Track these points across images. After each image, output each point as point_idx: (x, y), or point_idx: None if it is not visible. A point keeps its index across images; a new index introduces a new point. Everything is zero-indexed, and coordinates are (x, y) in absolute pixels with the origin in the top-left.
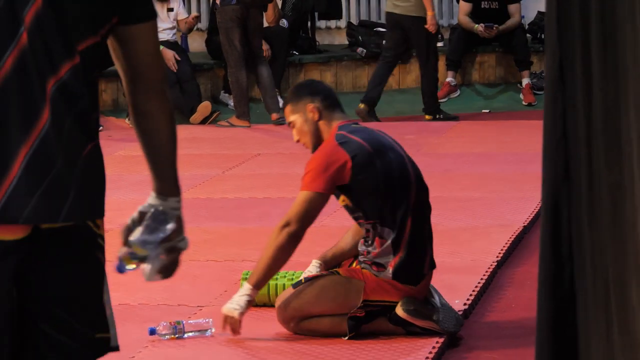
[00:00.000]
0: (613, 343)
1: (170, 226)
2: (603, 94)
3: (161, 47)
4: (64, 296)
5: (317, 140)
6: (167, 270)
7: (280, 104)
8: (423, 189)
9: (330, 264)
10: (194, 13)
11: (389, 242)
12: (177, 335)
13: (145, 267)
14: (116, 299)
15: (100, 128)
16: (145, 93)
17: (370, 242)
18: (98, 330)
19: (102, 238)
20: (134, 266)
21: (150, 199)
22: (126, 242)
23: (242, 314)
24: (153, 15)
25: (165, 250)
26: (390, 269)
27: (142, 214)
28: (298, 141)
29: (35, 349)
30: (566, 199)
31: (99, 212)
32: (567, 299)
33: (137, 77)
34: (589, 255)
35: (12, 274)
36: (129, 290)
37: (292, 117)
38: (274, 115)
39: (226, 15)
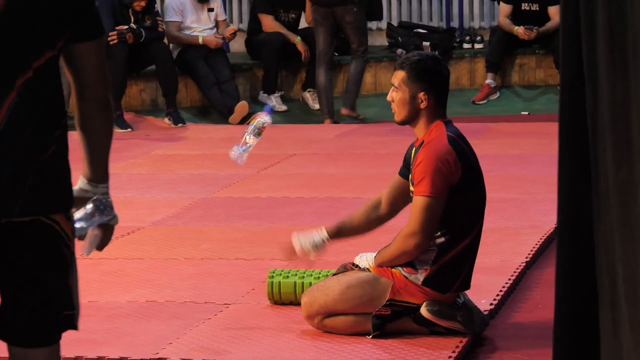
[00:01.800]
0: (621, 341)
1: (103, 208)
2: (611, 92)
3: (201, 37)
4: (25, 280)
5: (409, 121)
6: (102, 244)
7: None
8: (484, 215)
9: (339, 237)
10: (233, 27)
11: (435, 249)
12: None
13: (83, 244)
14: (143, 296)
15: (129, 129)
16: (89, 100)
17: None
18: (63, 309)
19: (64, 231)
20: None
21: (81, 183)
22: None
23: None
24: (100, 34)
25: (99, 226)
26: (422, 275)
27: (76, 199)
28: (391, 102)
29: (4, 328)
30: (586, 197)
31: (54, 208)
32: (586, 297)
33: (83, 86)
34: (600, 253)
35: None
36: (155, 288)
37: (400, 86)
38: (344, 111)
39: (314, 13)
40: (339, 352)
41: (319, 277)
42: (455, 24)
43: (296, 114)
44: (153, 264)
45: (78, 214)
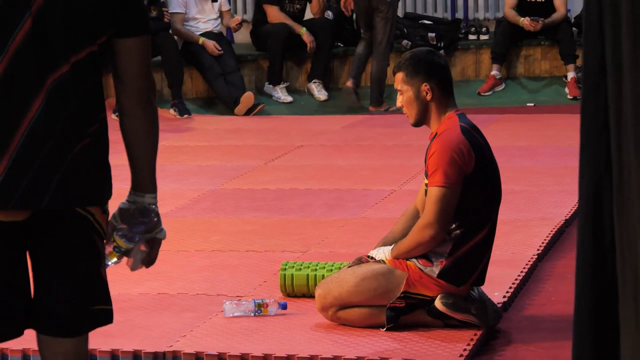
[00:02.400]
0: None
1: (149, 221)
2: (633, 87)
3: (202, 39)
4: (58, 270)
5: (422, 118)
6: (149, 260)
7: (326, 96)
8: (499, 206)
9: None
10: (238, 17)
11: (451, 242)
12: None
13: (129, 259)
14: (155, 288)
15: None
16: (131, 97)
17: None
18: (95, 302)
19: (99, 222)
20: (115, 259)
21: (128, 195)
22: (110, 238)
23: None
24: (145, 31)
25: (146, 241)
26: (438, 267)
27: (122, 211)
28: (402, 107)
29: (35, 316)
30: (608, 190)
31: (87, 200)
32: (608, 290)
33: (126, 83)
34: (619, 248)
35: (14, 251)
36: (167, 280)
37: (403, 87)
38: (371, 107)
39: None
40: (353, 344)
41: (331, 270)
42: (460, 15)
43: (301, 105)
44: (164, 256)
45: (122, 227)
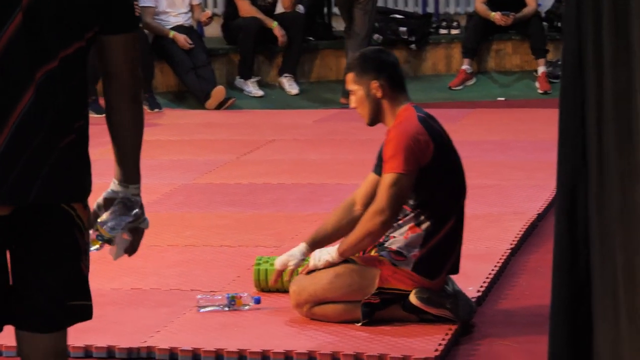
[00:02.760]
0: (620, 328)
1: (134, 212)
2: (614, 81)
3: (172, 33)
4: (39, 266)
5: (376, 116)
6: (132, 249)
7: (297, 90)
8: (465, 195)
9: (318, 247)
10: (208, 11)
11: (423, 233)
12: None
13: (112, 248)
14: (128, 283)
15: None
16: (117, 93)
17: (401, 227)
18: (75, 298)
19: (80, 218)
20: (97, 246)
21: (112, 185)
22: (93, 225)
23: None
24: (134, 28)
25: (129, 230)
26: (412, 260)
27: (107, 200)
28: (355, 108)
29: (14, 312)
30: (584, 185)
31: (71, 196)
32: (583, 284)
33: (113, 79)
34: (598, 241)
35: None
36: (142, 275)
37: (354, 87)
38: (342, 100)
39: None
40: (328, 339)
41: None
42: (431, 9)
43: (273, 99)
44: (137, 251)
45: (106, 217)
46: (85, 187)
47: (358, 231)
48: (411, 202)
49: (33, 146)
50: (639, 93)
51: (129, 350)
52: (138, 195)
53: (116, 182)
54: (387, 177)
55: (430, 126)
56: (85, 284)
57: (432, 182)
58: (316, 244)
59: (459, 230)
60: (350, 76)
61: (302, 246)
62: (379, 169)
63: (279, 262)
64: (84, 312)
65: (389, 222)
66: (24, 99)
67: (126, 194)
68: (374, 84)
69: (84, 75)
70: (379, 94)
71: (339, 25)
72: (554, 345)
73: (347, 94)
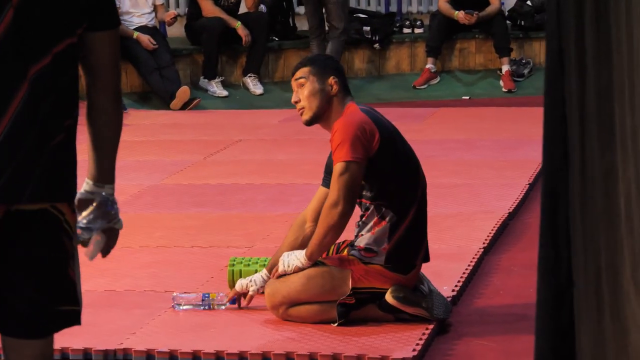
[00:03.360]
0: (604, 328)
1: (108, 211)
2: (596, 78)
3: (136, 34)
4: (26, 271)
5: (321, 112)
6: (107, 249)
7: (261, 90)
8: (425, 182)
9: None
10: (172, 11)
11: (388, 225)
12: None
13: (87, 249)
14: (102, 285)
15: None
16: (101, 91)
17: (366, 224)
18: (63, 303)
19: (68, 223)
20: None
21: (86, 185)
22: None
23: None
24: (116, 24)
25: (103, 231)
26: (383, 255)
27: (80, 202)
28: (296, 102)
29: (0, 318)
30: (564, 185)
31: (61, 197)
32: (565, 285)
33: (97, 77)
34: (582, 241)
35: None
36: (115, 276)
37: (310, 78)
38: None
39: None
40: (305, 340)
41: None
42: (394, 8)
43: (237, 99)
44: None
45: (81, 218)
46: (73, 187)
47: (319, 229)
48: (367, 193)
49: (26, 145)
50: (620, 93)
51: (106, 352)
52: (112, 195)
53: (90, 182)
54: (337, 167)
55: (375, 116)
56: (73, 289)
57: (384, 171)
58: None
59: (422, 219)
60: (306, 69)
61: (263, 273)
62: (327, 182)
63: (238, 284)
64: (72, 318)
65: (347, 212)
66: (18, 97)
67: (101, 194)
68: (332, 80)
69: (75, 73)
70: (333, 91)
71: (302, 25)
72: (539, 346)
73: None
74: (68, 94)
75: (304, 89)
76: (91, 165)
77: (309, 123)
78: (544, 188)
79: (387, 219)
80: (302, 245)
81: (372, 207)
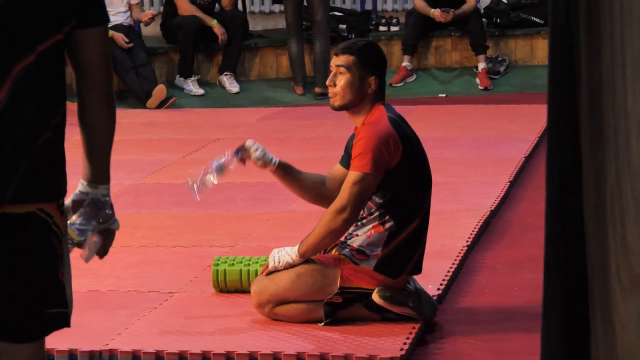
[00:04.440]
0: (596, 326)
1: (103, 212)
2: (588, 77)
3: (111, 32)
4: (15, 275)
5: (352, 105)
6: (104, 251)
7: (237, 89)
8: (430, 196)
9: (285, 174)
10: (151, 11)
11: (386, 233)
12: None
13: (83, 251)
14: (86, 285)
15: None
16: (92, 90)
17: (364, 225)
18: (52, 305)
19: (57, 225)
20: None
21: (81, 186)
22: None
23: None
24: (105, 21)
25: (99, 232)
26: (374, 260)
27: (75, 203)
28: (331, 86)
29: None
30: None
31: (48, 197)
32: (577, 285)
33: (87, 75)
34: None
35: None
36: (98, 277)
37: (352, 69)
38: (317, 89)
39: None
40: (292, 339)
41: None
42: (369, 6)
43: (213, 98)
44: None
45: (76, 219)
46: (61, 187)
47: (319, 230)
48: (377, 200)
49: (10, 144)
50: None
51: (91, 353)
52: (108, 195)
53: (85, 182)
54: (352, 175)
55: (401, 128)
56: (62, 291)
57: (399, 183)
58: (285, 169)
59: (422, 231)
60: (351, 58)
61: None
62: (345, 160)
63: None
64: (61, 320)
65: (351, 220)
66: (1, 96)
67: (96, 194)
68: (372, 79)
69: (62, 71)
70: (370, 90)
71: (276, 23)
72: (546, 349)
73: (322, 84)
74: (54, 92)
75: (342, 77)
76: (85, 166)
77: (337, 110)
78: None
79: (387, 226)
80: (313, 188)
81: (376, 213)
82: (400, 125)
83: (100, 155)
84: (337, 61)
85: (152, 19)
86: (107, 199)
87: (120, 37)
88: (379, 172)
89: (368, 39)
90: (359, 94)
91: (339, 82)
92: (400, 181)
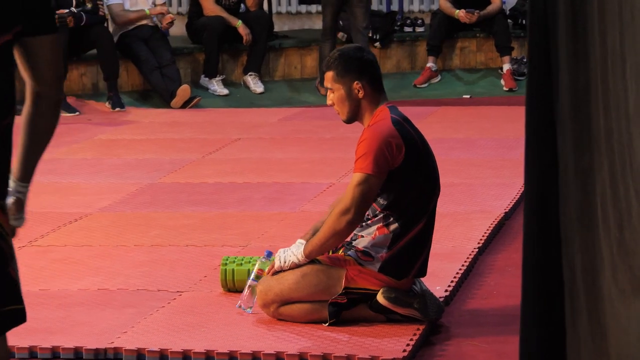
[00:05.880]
0: (579, 332)
1: (21, 212)
2: (572, 80)
3: (148, 10)
4: None
5: (354, 115)
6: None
7: (262, 89)
8: (438, 197)
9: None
10: (170, 15)
11: (390, 235)
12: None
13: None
14: (95, 283)
15: (77, 113)
16: (44, 98)
17: (369, 226)
18: (8, 303)
19: (1, 225)
20: None
21: (16, 185)
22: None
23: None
24: (55, 30)
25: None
26: (379, 262)
27: (19, 202)
28: (332, 105)
29: None
30: (554, 185)
31: None
32: (555, 287)
33: (39, 83)
34: (563, 244)
35: None
36: (107, 275)
37: (334, 86)
38: None
39: None
40: (296, 340)
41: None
42: (395, 7)
43: (237, 98)
44: (103, 251)
45: (16, 215)
46: (4, 188)
47: (324, 231)
48: (381, 201)
49: None
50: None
51: (96, 351)
52: (25, 194)
53: (17, 182)
54: (355, 177)
55: (404, 129)
56: (16, 288)
57: (403, 184)
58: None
59: (428, 233)
60: (330, 74)
61: (299, 244)
62: None
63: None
64: (18, 316)
65: (355, 221)
66: None
67: (20, 191)
68: (357, 85)
69: (11, 71)
70: (360, 95)
71: (302, 24)
72: (524, 348)
73: None
74: (4, 92)
75: (333, 96)
76: (21, 165)
77: (347, 123)
78: (529, 188)
79: (392, 228)
80: None
81: (380, 215)
82: (403, 126)
83: (37, 157)
84: (324, 82)
85: (171, 23)
86: (24, 197)
87: (159, 9)
88: (382, 173)
89: (392, 39)
90: (353, 103)
91: (333, 101)
92: (404, 183)
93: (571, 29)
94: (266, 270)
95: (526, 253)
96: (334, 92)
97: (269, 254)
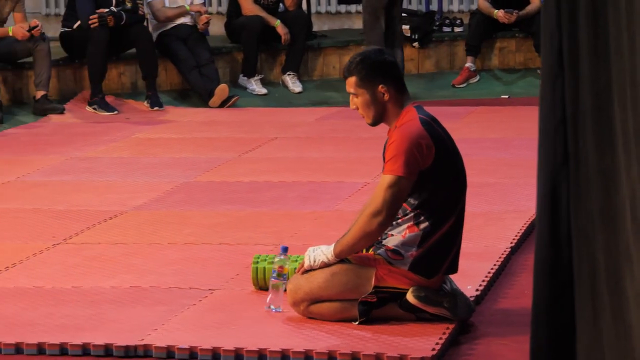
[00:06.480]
0: (601, 330)
1: None
2: (593, 79)
3: (188, 6)
4: None
5: (380, 118)
6: None
7: (300, 89)
8: (465, 194)
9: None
10: (206, 15)
11: (420, 233)
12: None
13: None
14: (127, 281)
15: (115, 112)
16: None
17: (399, 225)
18: None
19: None
20: None
21: None
22: None
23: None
24: None
25: None
26: (409, 260)
27: None
28: (356, 109)
29: None
30: (565, 183)
31: None
32: (565, 285)
33: None
34: (576, 242)
35: None
36: (140, 273)
37: (358, 91)
38: None
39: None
40: (325, 338)
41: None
42: (434, 7)
43: (276, 97)
44: (136, 249)
45: None
46: None
47: (354, 232)
48: (412, 201)
49: None
50: (621, 94)
51: (126, 348)
52: None
53: None
54: (386, 179)
55: (433, 129)
56: None
57: (433, 184)
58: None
59: (457, 230)
60: (352, 80)
61: (329, 250)
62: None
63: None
64: None
65: (386, 223)
66: None
67: None
68: (382, 88)
69: None
70: (386, 98)
71: (342, 24)
72: (534, 344)
73: None
74: None
75: (356, 101)
76: None
77: (373, 126)
78: (541, 188)
79: (422, 227)
80: None
81: (411, 214)
82: (432, 126)
83: None
84: (347, 88)
85: (208, 23)
86: None
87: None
88: (412, 175)
89: (431, 39)
90: (379, 107)
91: (357, 105)
92: (434, 182)
93: (592, 27)
94: (286, 266)
95: (537, 251)
96: (357, 96)
97: (285, 249)
